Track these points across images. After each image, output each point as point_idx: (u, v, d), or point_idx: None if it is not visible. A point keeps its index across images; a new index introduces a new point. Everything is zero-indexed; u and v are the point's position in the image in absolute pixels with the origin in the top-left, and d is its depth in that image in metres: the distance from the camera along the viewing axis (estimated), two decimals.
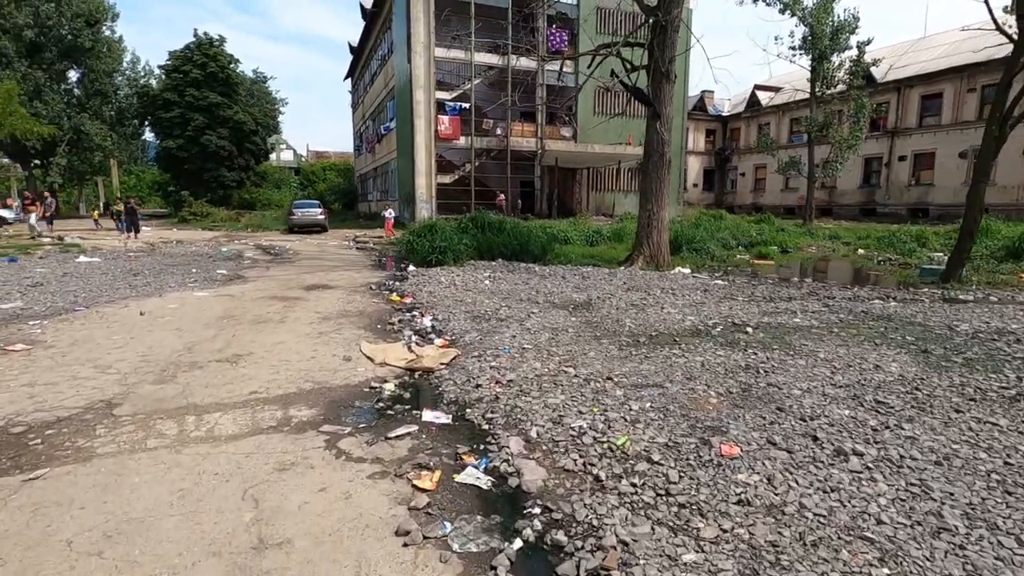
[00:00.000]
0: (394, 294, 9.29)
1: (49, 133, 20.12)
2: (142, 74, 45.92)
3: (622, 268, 12.24)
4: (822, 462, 3.30)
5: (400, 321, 7.20)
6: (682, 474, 3.17)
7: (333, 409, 4.23)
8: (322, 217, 26.51)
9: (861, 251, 17.38)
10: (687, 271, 12.13)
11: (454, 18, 26.44)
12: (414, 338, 6.36)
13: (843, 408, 4.11)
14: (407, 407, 4.30)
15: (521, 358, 5.37)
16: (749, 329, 6.56)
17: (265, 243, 20.53)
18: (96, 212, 29.20)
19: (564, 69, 17.16)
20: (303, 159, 70.29)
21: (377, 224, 29.60)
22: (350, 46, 41.94)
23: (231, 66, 36.83)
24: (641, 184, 13.06)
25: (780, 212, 34.55)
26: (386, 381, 4.86)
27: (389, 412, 4.18)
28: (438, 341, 6.19)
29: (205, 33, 36.41)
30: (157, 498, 2.91)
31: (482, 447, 3.60)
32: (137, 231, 20.36)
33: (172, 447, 3.52)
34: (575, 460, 3.35)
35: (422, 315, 7.50)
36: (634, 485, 3.07)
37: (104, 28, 38.53)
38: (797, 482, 3.07)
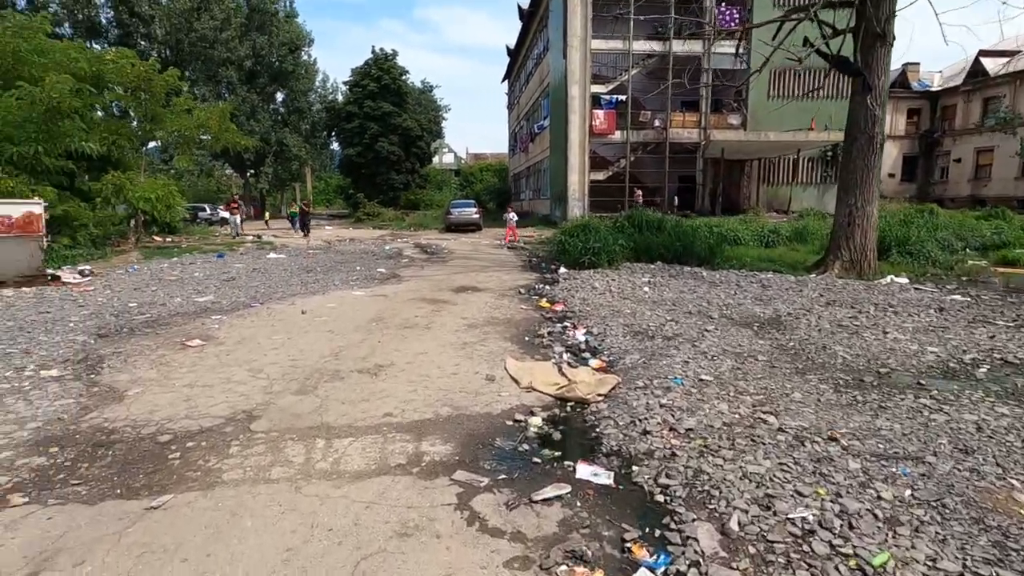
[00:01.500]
0: (544, 299, 8.60)
1: (253, 145, 23.19)
2: (330, 91, 51.89)
3: (813, 275, 10.17)
4: None
5: (550, 334, 6.44)
6: None
7: (470, 447, 3.56)
8: (477, 216, 27.16)
9: None
10: (903, 280, 9.67)
11: (612, 4, 25.23)
12: (565, 356, 5.54)
13: None
14: (557, 453, 3.48)
15: (699, 395, 4.24)
16: None
17: (424, 241, 21.43)
18: (267, 214, 34.11)
19: (739, 50, 15.05)
20: (463, 161, 74.11)
21: (529, 223, 29.60)
22: (508, 49, 42.79)
23: (402, 77, 39.74)
24: (840, 174, 10.76)
25: (1013, 205, 27.46)
26: (532, 413, 4.09)
27: (535, 459, 3.39)
28: (593, 362, 5.30)
29: (381, 49, 39.78)
30: (262, 557, 2.44)
31: (658, 532, 2.63)
32: (307, 231, 22.61)
33: (293, 481, 3.10)
34: None
35: (574, 327, 6.65)
36: None
37: (302, 53, 44.11)
38: None
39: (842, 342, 5.67)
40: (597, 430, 3.81)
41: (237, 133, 20.70)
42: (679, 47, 25.84)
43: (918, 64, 39.77)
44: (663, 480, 3.06)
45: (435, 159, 60.19)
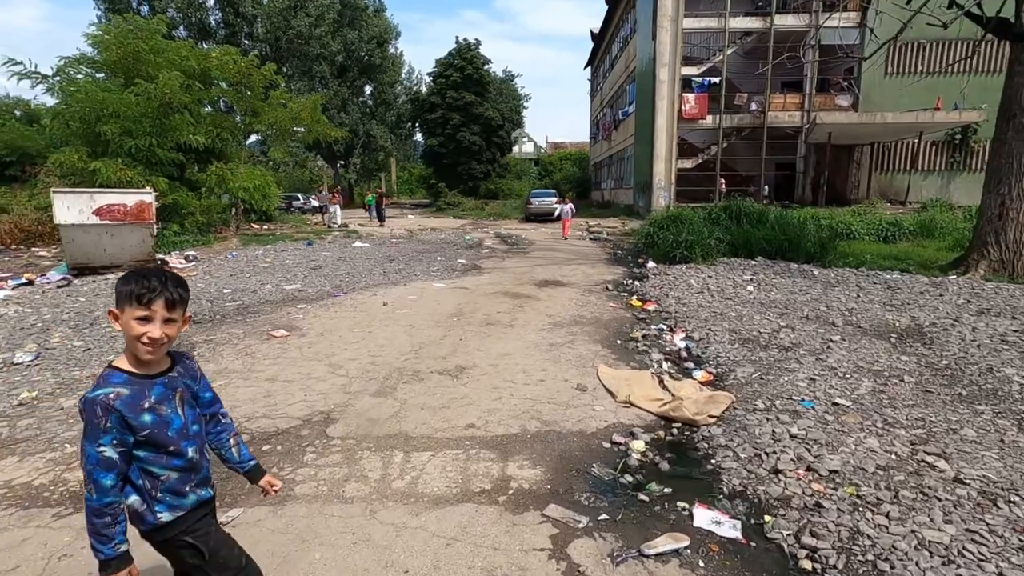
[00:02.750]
0: (634, 297, 7.96)
1: (343, 136, 23.85)
2: (415, 82, 52.95)
3: (951, 276, 8.77)
4: None
5: (644, 337, 5.83)
6: None
7: (562, 473, 3.10)
8: (557, 206, 26.61)
9: None
10: None
11: None
12: (665, 365, 4.93)
13: None
14: (667, 490, 2.93)
15: (838, 424, 3.52)
16: None
17: (504, 231, 21.18)
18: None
19: (863, 21, 13.36)
20: (542, 150, 73.47)
21: (611, 213, 28.69)
22: (592, 33, 41.49)
23: (484, 67, 39.68)
24: (990, 158, 9.17)
25: None
26: (633, 435, 3.56)
27: (641, 496, 2.87)
28: (698, 373, 4.66)
29: (465, 39, 39.89)
30: None
31: None
32: (382, 220, 23.31)
33: (368, 502, 2.79)
34: None
35: (671, 330, 6.00)
36: None
37: (390, 46, 45.21)
38: None
39: (1013, 363, 4.63)
40: (713, 462, 3.22)
41: (328, 125, 21.38)
42: (781, 21, 23.69)
43: None
44: (808, 540, 2.44)
45: (515, 148, 59.97)
